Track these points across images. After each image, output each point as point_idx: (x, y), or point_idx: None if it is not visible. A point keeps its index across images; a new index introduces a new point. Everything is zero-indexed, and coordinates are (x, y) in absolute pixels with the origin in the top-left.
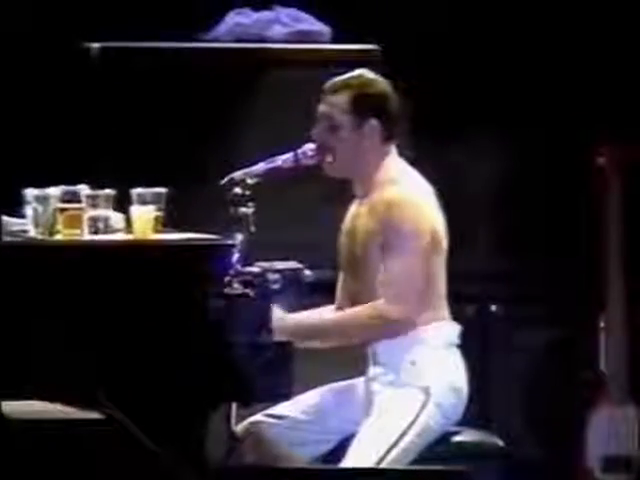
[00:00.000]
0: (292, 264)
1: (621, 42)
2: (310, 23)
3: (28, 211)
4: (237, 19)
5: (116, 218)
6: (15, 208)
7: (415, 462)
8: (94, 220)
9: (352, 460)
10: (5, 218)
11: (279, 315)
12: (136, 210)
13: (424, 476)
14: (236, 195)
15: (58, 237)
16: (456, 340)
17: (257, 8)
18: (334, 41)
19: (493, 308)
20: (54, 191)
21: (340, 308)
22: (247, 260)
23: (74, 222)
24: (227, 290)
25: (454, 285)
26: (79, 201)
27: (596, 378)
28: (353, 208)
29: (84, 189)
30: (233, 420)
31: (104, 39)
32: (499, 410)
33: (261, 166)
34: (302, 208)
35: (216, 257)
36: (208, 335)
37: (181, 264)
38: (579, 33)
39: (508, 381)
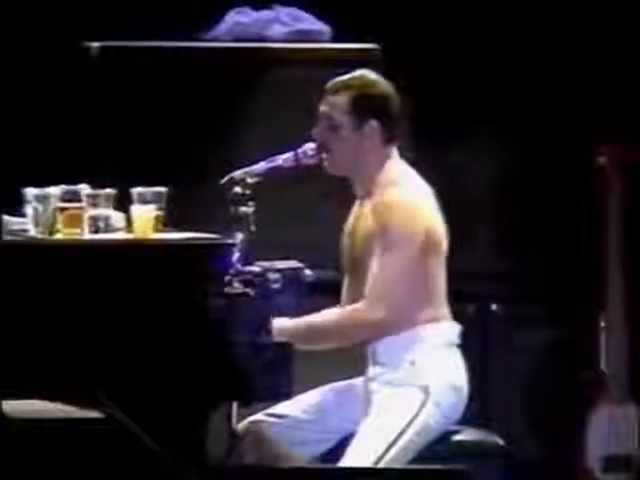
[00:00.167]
0: (292, 263)
1: (621, 42)
2: (310, 22)
3: (28, 210)
4: (237, 18)
5: (116, 217)
6: (15, 207)
7: (415, 461)
8: (94, 219)
9: (351, 459)
10: (5, 217)
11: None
12: (136, 209)
13: (424, 475)
14: (236, 194)
15: (58, 236)
16: (456, 340)
17: (257, 7)
18: (334, 40)
19: (493, 307)
20: (54, 190)
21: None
22: (247, 259)
23: (74, 221)
24: (227, 289)
25: (454, 284)
26: (79, 200)
27: (596, 378)
28: (355, 209)
29: (84, 188)
30: (234, 419)
31: (104, 38)
32: (499, 409)
33: (261, 165)
34: (302, 207)
35: (216, 256)
36: (208, 334)
37: (181, 263)
38: (579, 32)
39: (508, 380)
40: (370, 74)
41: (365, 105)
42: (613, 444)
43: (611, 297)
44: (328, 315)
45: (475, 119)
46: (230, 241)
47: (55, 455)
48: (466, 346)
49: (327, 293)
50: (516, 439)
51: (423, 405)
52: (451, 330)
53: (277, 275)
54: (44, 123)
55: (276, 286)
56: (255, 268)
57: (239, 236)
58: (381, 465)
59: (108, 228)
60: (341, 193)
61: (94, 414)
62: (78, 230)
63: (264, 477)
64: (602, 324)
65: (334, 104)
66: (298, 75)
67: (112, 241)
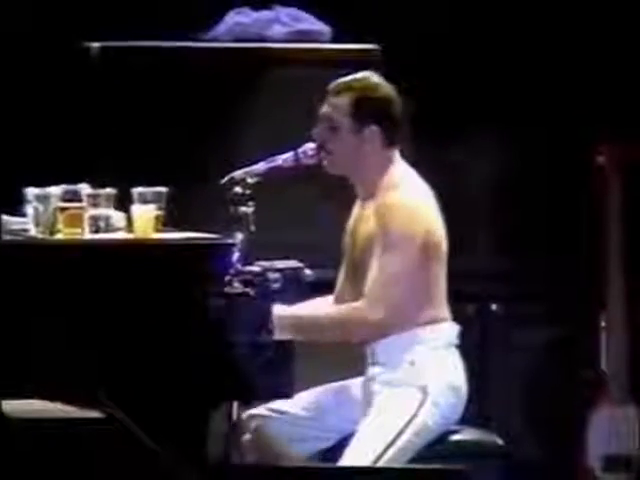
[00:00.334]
0: (292, 263)
1: (621, 41)
2: (310, 22)
3: (29, 210)
4: (237, 18)
5: (117, 217)
6: (16, 207)
7: (414, 461)
8: (95, 219)
9: (350, 458)
10: (6, 217)
11: (277, 312)
12: (137, 209)
13: (423, 475)
14: (236, 194)
15: (59, 236)
16: (455, 340)
17: (257, 7)
18: (334, 41)
19: (493, 307)
20: (55, 190)
21: (338, 300)
22: (247, 259)
23: (75, 221)
24: (227, 289)
25: (454, 284)
26: (80, 200)
27: (597, 377)
28: (357, 210)
29: (85, 188)
30: (234, 418)
31: (104, 38)
32: (499, 409)
33: (261, 165)
34: (302, 207)
35: (216, 256)
36: (209, 334)
37: (182, 263)
38: (579, 32)
39: (508, 380)
40: (373, 77)
41: (366, 108)
42: (613, 444)
43: (611, 296)
44: (328, 310)
45: (475, 119)
46: (230, 241)
47: (55, 455)
48: (466, 346)
49: (327, 293)
50: (516, 439)
51: (422, 405)
52: (450, 331)
53: (277, 275)
54: (44, 123)
55: (276, 286)
56: (255, 268)
57: (239, 236)
58: (380, 465)
59: (108, 228)
60: (341, 193)
61: (94, 414)
62: (79, 230)
63: (263, 476)
64: (602, 323)
65: (335, 106)
66: (298, 75)
67: (113, 241)
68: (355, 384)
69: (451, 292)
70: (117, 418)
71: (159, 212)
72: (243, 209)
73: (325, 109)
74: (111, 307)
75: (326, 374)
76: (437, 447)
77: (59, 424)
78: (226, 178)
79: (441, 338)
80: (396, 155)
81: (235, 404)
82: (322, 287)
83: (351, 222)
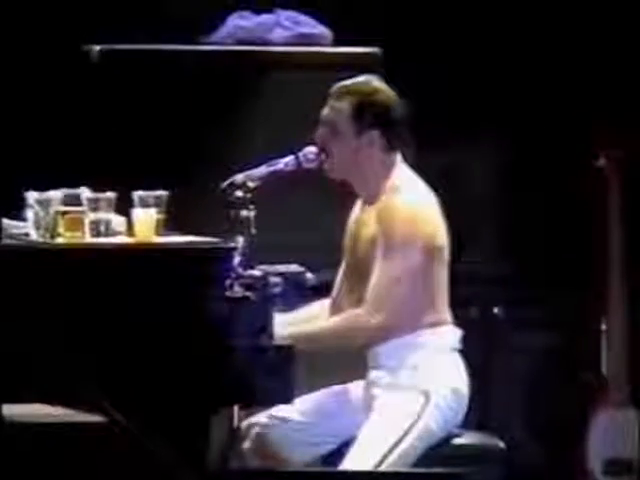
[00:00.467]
0: (294, 267)
1: (621, 42)
2: (311, 26)
3: (29, 214)
4: (238, 22)
5: (117, 221)
6: (16, 211)
7: (415, 464)
8: (95, 223)
9: (351, 463)
10: (6, 221)
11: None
12: (137, 213)
13: (424, 478)
14: (237, 198)
15: (59, 240)
16: (457, 345)
17: (258, 11)
18: (335, 44)
19: (495, 310)
20: (55, 194)
21: (335, 302)
22: (248, 263)
23: (75, 225)
24: (228, 293)
25: (456, 287)
26: (80, 204)
27: (597, 380)
28: (358, 213)
29: (85, 192)
30: (235, 422)
31: (104, 41)
32: (500, 412)
33: (262, 169)
34: (304, 211)
35: (217, 260)
36: (209, 338)
37: (182, 267)
38: (579, 33)
39: (509, 383)
40: (374, 81)
41: (367, 113)
42: (613, 447)
43: (611, 299)
44: (329, 321)
45: (475, 122)
46: (231, 245)
47: (55, 459)
48: (467, 349)
49: (328, 296)
50: (517, 442)
51: (424, 409)
52: (453, 335)
53: (278, 279)
54: (45, 126)
55: (277, 290)
56: (256, 272)
57: (240, 240)
58: (381, 469)
59: (109, 232)
60: (342, 196)
61: (94, 418)
62: (79, 234)
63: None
64: (602, 327)
65: (336, 109)
66: (299, 79)
67: (113, 245)
68: (356, 388)
69: (452, 296)
70: (117, 422)
71: (160, 216)
72: (244, 213)
73: (326, 112)
74: (111, 311)
75: (326, 378)
76: (438, 451)
77: (59, 428)
78: (227, 182)
79: (444, 342)
80: (397, 159)
81: (236, 410)
82: (323, 290)
83: (352, 225)
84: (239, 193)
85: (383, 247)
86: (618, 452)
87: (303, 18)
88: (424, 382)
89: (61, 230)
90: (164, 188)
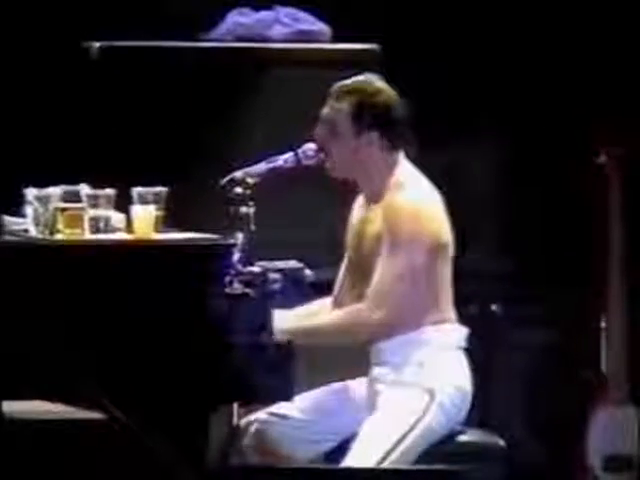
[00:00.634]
0: (293, 264)
1: (622, 40)
2: (310, 23)
3: (28, 211)
4: (237, 19)
5: (117, 217)
6: (16, 207)
7: (416, 462)
8: (95, 220)
9: (353, 460)
10: (7, 218)
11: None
12: (137, 209)
13: (424, 476)
14: (237, 195)
15: (59, 237)
16: (462, 343)
17: (257, 8)
18: (334, 41)
19: (493, 307)
20: (55, 191)
21: (336, 300)
22: (248, 260)
23: (75, 222)
24: (228, 290)
25: (455, 284)
26: (80, 201)
27: (596, 378)
28: (361, 211)
29: (84, 188)
30: (234, 419)
31: (104, 38)
32: (499, 410)
33: (262, 166)
34: (303, 208)
35: (217, 257)
36: (209, 335)
37: (182, 264)
38: (579, 31)
39: (508, 380)
40: (375, 80)
41: (367, 113)
42: (613, 444)
43: (611, 297)
44: (330, 315)
45: (475, 119)
46: (230, 241)
47: (55, 455)
48: (466, 346)
49: (328, 293)
50: (516, 439)
51: (428, 407)
52: (457, 333)
53: (278, 275)
54: (44, 123)
55: (276, 286)
56: (255, 268)
57: (239, 236)
58: (383, 466)
59: (108, 228)
60: (343, 193)
61: (94, 415)
62: (78, 230)
63: (264, 477)
64: (602, 324)
65: (336, 108)
66: (298, 75)
67: (112, 241)
68: (357, 385)
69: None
70: (117, 419)
71: (159, 212)
72: (243, 209)
73: (326, 111)
74: (111, 308)
75: (326, 376)
76: (439, 448)
77: (59, 425)
78: (226, 178)
79: (448, 339)
80: (400, 157)
81: (235, 407)
82: (323, 287)
83: (356, 223)
84: (238, 190)
85: (388, 244)
86: (618, 449)
87: (302, 15)
88: (429, 380)
89: (60, 227)
90: (163, 185)
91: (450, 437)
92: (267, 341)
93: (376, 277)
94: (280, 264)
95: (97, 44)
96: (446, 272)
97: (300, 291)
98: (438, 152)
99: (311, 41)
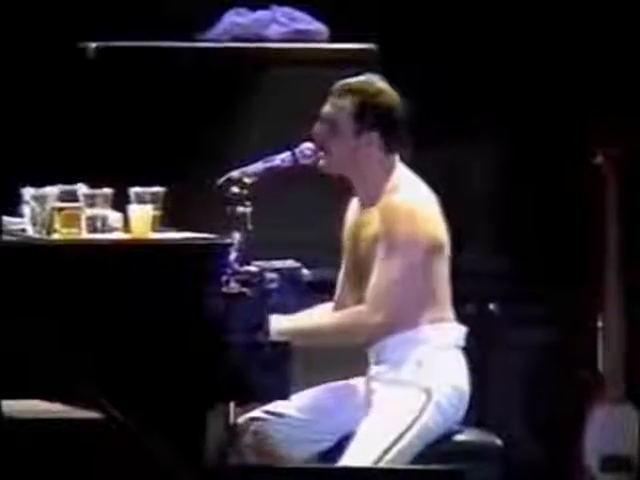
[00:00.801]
0: (290, 263)
1: (620, 40)
2: (307, 22)
3: (26, 210)
4: (234, 18)
5: (114, 217)
6: (13, 207)
7: (413, 461)
8: (92, 219)
9: (350, 459)
10: (6, 218)
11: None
12: (134, 209)
13: (422, 475)
14: (234, 194)
15: (56, 236)
16: (461, 342)
17: (254, 7)
18: (331, 40)
19: (491, 307)
20: (52, 190)
21: (338, 304)
22: (245, 259)
23: (72, 221)
24: (225, 289)
25: (452, 284)
26: (77, 200)
27: (593, 377)
28: (357, 214)
29: (82, 188)
30: (231, 418)
31: (101, 39)
32: (496, 409)
33: (259, 165)
34: (300, 207)
35: (214, 256)
36: (206, 334)
37: (179, 263)
38: (578, 31)
39: (506, 380)
40: (378, 82)
41: (369, 113)
42: (610, 444)
43: (608, 296)
44: (327, 318)
45: (473, 119)
46: (227, 241)
47: (54, 455)
48: (463, 345)
49: (325, 293)
50: (514, 439)
51: (425, 407)
52: (456, 332)
53: (274, 275)
54: (41, 123)
55: (273, 286)
56: (252, 268)
57: (236, 236)
58: (380, 466)
59: (105, 228)
60: (338, 193)
61: (92, 414)
62: (76, 230)
63: (262, 477)
64: (599, 324)
65: (338, 106)
66: (295, 75)
67: (110, 241)
68: (355, 384)
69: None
70: (115, 418)
71: (156, 212)
72: (240, 209)
73: (327, 109)
74: (108, 307)
75: (323, 375)
76: (436, 447)
77: (58, 424)
78: (223, 178)
79: (446, 338)
80: (396, 160)
81: (232, 406)
82: (320, 287)
83: (352, 227)
84: (235, 189)
85: (384, 246)
86: (615, 448)
87: (299, 14)
88: (426, 379)
89: (57, 226)
90: (160, 184)
91: (447, 436)
92: (264, 340)
93: (374, 279)
94: (277, 264)
95: (94, 44)
96: (443, 271)
97: (297, 291)
98: (435, 151)
99: (308, 41)
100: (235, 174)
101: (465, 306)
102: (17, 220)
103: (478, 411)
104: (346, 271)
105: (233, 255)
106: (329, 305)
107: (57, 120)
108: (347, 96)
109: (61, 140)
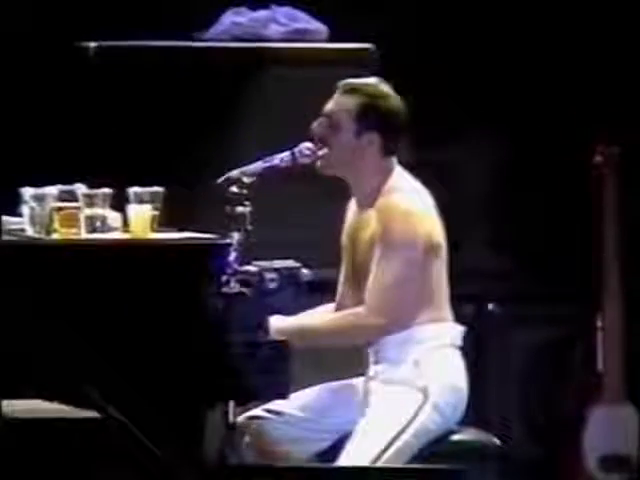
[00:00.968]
0: (290, 263)
1: (619, 40)
2: (307, 22)
3: (25, 210)
4: (234, 18)
5: (113, 217)
6: (12, 207)
7: (411, 460)
8: (91, 219)
9: (348, 458)
10: (6, 218)
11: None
12: (133, 209)
13: (421, 475)
14: (233, 194)
15: (55, 236)
16: (458, 341)
17: (254, 7)
18: (331, 40)
19: (490, 307)
20: (51, 190)
21: (339, 306)
22: (244, 259)
23: (71, 221)
24: (224, 289)
25: (452, 284)
26: (76, 200)
27: (593, 377)
28: (355, 216)
29: (81, 188)
30: (231, 418)
31: (100, 38)
32: (495, 409)
33: (258, 165)
34: (300, 207)
35: (213, 256)
36: (205, 334)
37: (178, 263)
38: (578, 32)
39: (505, 380)
40: (383, 85)
41: (371, 115)
42: (610, 444)
43: (607, 297)
44: (327, 319)
45: (472, 119)
46: (227, 241)
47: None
48: (463, 346)
49: (324, 292)
50: (513, 439)
51: (422, 407)
52: (453, 331)
53: (274, 275)
54: (41, 123)
55: (273, 285)
56: (252, 268)
57: (236, 236)
58: (378, 465)
59: (104, 228)
60: (338, 192)
61: (92, 414)
62: (75, 230)
63: (261, 476)
64: (599, 324)
65: (341, 105)
66: (295, 74)
67: (109, 241)
68: (353, 383)
69: (448, 292)
70: (114, 418)
71: (155, 212)
72: (240, 209)
73: (330, 106)
74: (107, 307)
75: (323, 374)
76: (435, 447)
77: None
78: (222, 178)
79: (443, 338)
80: (394, 162)
81: (231, 405)
82: (319, 286)
83: (350, 228)
84: (234, 189)
85: (382, 247)
86: (614, 448)
87: (298, 14)
88: (424, 379)
89: (56, 226)
90: (160, 184)
91: (445, 436)
92: (263, 339)
93: (372, 281)
94: (277, 263)
95: (93, 44)
96: (441, 272)
97: (297, 290)
98: (434, 151)
99: (307, 40)
100: (234, 174)
101: (465, 306)
102: (17, 220)
103: (476, 411)
104: (345, 272)
105: (232, 255)
106: (331, 306)
107: (57, 120)
108: (351, 95)
109: (61, 140)
